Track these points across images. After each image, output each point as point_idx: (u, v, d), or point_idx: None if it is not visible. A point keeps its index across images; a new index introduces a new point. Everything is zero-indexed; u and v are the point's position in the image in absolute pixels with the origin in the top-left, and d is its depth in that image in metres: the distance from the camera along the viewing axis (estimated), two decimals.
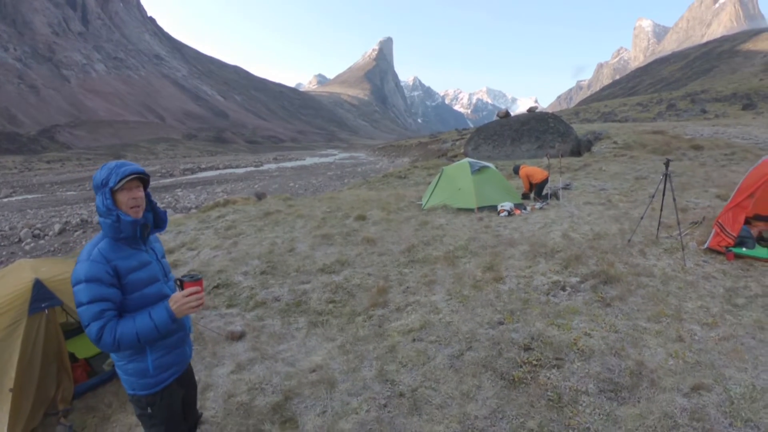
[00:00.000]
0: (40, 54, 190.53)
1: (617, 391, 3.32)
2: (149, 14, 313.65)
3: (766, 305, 4.52)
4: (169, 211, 23.17)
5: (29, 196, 36.29)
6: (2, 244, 17.72)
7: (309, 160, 79.24)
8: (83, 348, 4.85)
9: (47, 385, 3.82)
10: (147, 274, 2.23)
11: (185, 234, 9.76)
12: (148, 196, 2.28)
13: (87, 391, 4.13)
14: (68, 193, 38.05)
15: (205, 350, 4.62)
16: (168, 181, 46.99)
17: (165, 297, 2.23)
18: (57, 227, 19.59)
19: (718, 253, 5.91)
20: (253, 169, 61.77)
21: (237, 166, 66.51)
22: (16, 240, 18.19)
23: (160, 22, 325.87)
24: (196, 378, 3.74)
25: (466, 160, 10.24)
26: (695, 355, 3.72)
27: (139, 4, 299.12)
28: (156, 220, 2.37)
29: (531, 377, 3.55)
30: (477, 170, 9.65)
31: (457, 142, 34.11)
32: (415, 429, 3.13)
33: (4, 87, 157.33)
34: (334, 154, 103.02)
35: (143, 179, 2.21)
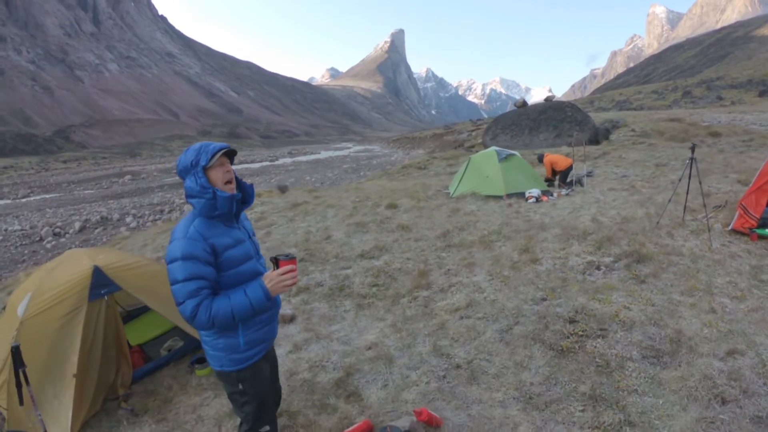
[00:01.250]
0: (53, 55, 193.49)
1: (659, 357, 3.64)
2: (160, 13, 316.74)
3: None
4: (187, 207, 23.62)
5: (47, 196, 37.09)
6: (24, 242, 18.21)
7: (324, 154, 79.98)
8: (135, 335, 4.94)
9: (107, 370, 3.89)
10: (242, 252, 2.23)
11: None
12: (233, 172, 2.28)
13: (144, 377, 4.23)
14: (86, 191, 38.76)
15: None
16: None
17: (259, 274, 2.25)
18: (77, 225, 20.03)
19: (742, 234, 6.16)
20: (268, 163, 62.48)
21: (252, 161, 67.40)
22: (38, 239, 18.60)
23: (171, 21, 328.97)
24: None
25: (493, 148, 10.52)
26: (727, 324, 4.02)
27: (149, 3, 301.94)
28: (243, 195, 2.34)
29: (578, 347, 3.87)
30: (504, 158, 9.94)
31: (473, 133, 34.22)
32: (475, 396, 3.45)
33: (18, 89, 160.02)
34: (349, 147, 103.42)
35: (230, 155, 2.24)
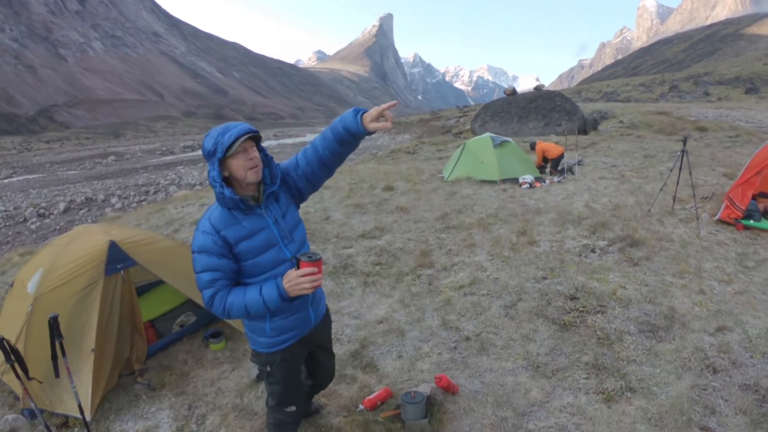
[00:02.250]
0: (37, 34, 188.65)
1: (654, 331, 3.95)
2: None
3: None
4: (173, 188, 23.59)
5: (30, 176, 36.57)
6: (8, 224, 17.98)
7: (309, 137, 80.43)
8: (145, 311, 4.77)
9: (122, 345, 3.90)
10: (261, 241, 2.12)
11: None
12: (263, 150, 2.12)
13: (157, 352, 4.25)
14: (69, 172, 38.33)
15: None
16: (169, 158, 47.58)
17: (282, 262, 2.16)
18: (62, 206, 19.90)
19: (728, 224, 6.54)
20: None
21: None
22: (21, 219, 18.39)
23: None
24: None
25: (487, 134, 10.74)
26: (716, 305, 4.36)
27: None
28: (270, 175, 2.17)
29: (579, 321, 4.16)
30: (498, 144, 10.19)
31: (461, 119, 34.48)
32: (486, 366, 3.69)
33: (1, 68, 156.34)
34: None
35: (255, 137, 2.05)
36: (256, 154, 2.04)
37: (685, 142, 6.91)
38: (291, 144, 60.92)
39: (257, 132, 2.06)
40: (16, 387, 3.57)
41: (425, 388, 3.22)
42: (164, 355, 4.24)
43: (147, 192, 23.32)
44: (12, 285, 4.52)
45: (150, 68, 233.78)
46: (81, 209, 19.81)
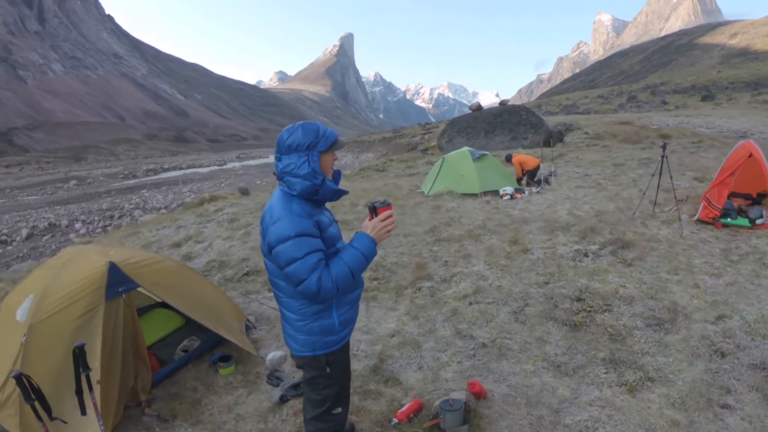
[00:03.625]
0: None
1: (661, 325, 4.26)
2: (107, 12, 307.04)
3: (756, 260, 5.67)
4: (138, 212, 23.48)
5: None
6: None
7: (272, 158, 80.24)
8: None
9: (127, 375, 3.75)
10: (336, 231, 2.38)
11: (187, 228, 10.15)
12: None
13: (162, 380, 4.12)
14: (30, 197, 37.85)
15: (275, 328, 5.05)
16: (132, 182, 47.33)
17: None
18: (24, 232, 19.75)
19: (707, 223, 7.07)
20: (217, 168, 62.66)
21: (200, 166, 67.44)
22: None
23: (118, 20, 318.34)
24: (282, 354, 4.32)
25: (466, 148, 11.17)
26: (711, 296, 4.75)
27: (96, 2, 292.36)
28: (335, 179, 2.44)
29: (589, 321, 4.43)
30: (478, 158, 10.60)
31: (425, 136, 35.31)
32: (508, 370, 3.87)
33: None
34: None
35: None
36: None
37: (664, 148, 7.45)
38: (255, 165, 61.17)
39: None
40: (14, 427, 3.35)
41: (459, 395, 3.36)
42: (171, 383, 4.13)
43: (112, 217, 23.40)
44: None
45: (111, 90, 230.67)
46: (44, 235, 19.78)
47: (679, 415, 3.10)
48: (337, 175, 2.45)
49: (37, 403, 2.65)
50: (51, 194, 39.19)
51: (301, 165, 2.20)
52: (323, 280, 2.11)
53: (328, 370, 2.42)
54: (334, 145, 2.30)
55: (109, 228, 19.54)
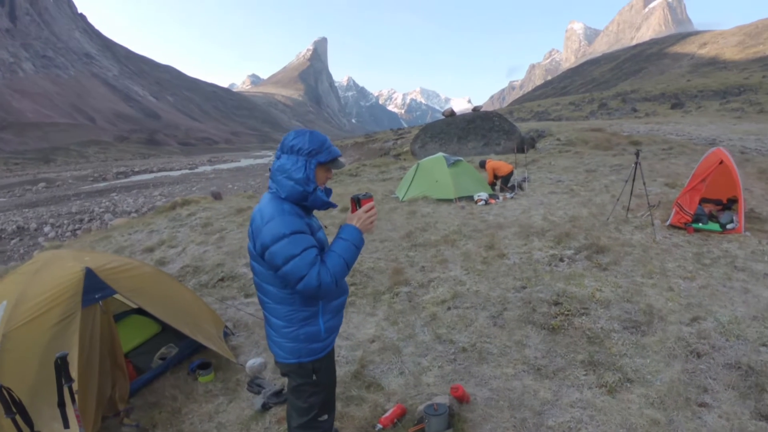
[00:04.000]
0: None
1: (637, 327, 4.38)
2: (79, 11, 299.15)
3: (728, 263, 5.88)
4: (108, 216, 23.18)
5: None
6: None
7: (244, 162, 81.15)
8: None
9: (104, 384, 3.69)
10: (323, 237, 2.42)
11: (159, 233, 9.96)
12: None
13: (140, 388, 4.08)
14: None
15: (254, 335, 5.03)
16: (102, 185, 46.43)
17: None
18: None
19: (679, 228, 7.31)
20: (188, 171, 62.24)
21: (171, 169, 66.83)
22: None
23: (91, 20, 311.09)
24: (262, 361, 4.30)
25: (440, 154, 11.26)
26: (685, 299, 4.91)
27: (69, 0, 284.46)
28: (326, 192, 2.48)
29: (567, 324, 4.52)
30: (452, 163, 10.71)
31: (398, 142, 35.48)
32: (489, 373, 3.91)
33: None
34: (269, 155, 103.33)
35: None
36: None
37: (638, 155, 7.67)
38: (226, 169, 61.16)
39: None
40: None
41: (442, 400, 3.38)
42: (149, 392, 4.08)
43: (81, 220, 23.23)
44: None
45: (81, 91, 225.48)
46: (12, 239, 19.50)
47: (659, 414, 3.19)
48: (328, 192, 2.47)
49: (18, 417, 2.55)
50: (19, 196, 38.69)
51: (297, 168, 2.24)
52: (322, 275, 2.14)
53: (314, 377, 2.43)
54: (334, 162, 2.35)
55: (78, 232, 19.26)
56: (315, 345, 2.38)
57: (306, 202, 2.29)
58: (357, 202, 2.35)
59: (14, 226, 21.73)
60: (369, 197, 2.36)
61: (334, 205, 2.44)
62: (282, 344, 2.38)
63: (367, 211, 2.33)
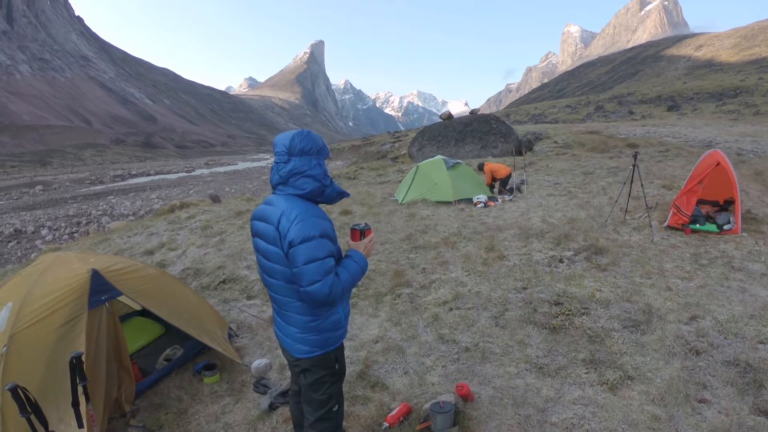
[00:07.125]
0: None
1: (637, 326, 4.47)
2: (77, 13, 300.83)
3: (725, 263, 5.99)
4: (105, 219, 23.21)
5: None
6: None
7: (241, 165, 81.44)
8: None
9: (110, 385, 3.73)
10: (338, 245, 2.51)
11: (159, 235, 10.00)
12: None
13: (146, 390, 4.12)
14: None
15: (257, 336, 5.10)
16: (99, 188, 46.29)
17: (346, 257, 2.50)
18: None
19: (677, 229, 7.43)
20: (185, 174, 62.15)
21: (168, 172, 66.71)
22: None
23: (88, 22, 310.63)
24: (268, 361, 4.37)
25: (439, 157, 11.36)
26: (683, 298, 5.01)
27: (66, 3, 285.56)
28: None
29: (568, 324, 4.60)
30: (451, 166, 10.82)
31: (395, 144, 35.59)
32: (492, 372, 3.99)
33: None
34: (266, 159, 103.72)
35: None
36: None
37: (635, 157, 7.79)
38: (223, 172, 61.06)
39: None
40: None
41: (448, 398, 3.45)
42: (154, 393, 4.14)
43: (79, 223, 23.16)
44: None
45: (78, 93, 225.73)
46: (10, 242, 19.47)
47: (660, 410, 3.27)
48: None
49: (33, 416, 2.55)
50: (16, 199, 38.72)
51: (314, 166, 2.37)
52: (335, 286, 2.25)
53: (337, 366, 2.54)
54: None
55: (76, 235, 19.33)
56: (338, 332, 2.50)
57: (322, 196, 2.40)
58: (361, 233, 2.55)
59: (11, 229, 21.68)
60: (369, 229, 2.61)
61: (347, 194, 2.57)
62: (307, 339, 2.44)
63: (370, 241, 2.56)
